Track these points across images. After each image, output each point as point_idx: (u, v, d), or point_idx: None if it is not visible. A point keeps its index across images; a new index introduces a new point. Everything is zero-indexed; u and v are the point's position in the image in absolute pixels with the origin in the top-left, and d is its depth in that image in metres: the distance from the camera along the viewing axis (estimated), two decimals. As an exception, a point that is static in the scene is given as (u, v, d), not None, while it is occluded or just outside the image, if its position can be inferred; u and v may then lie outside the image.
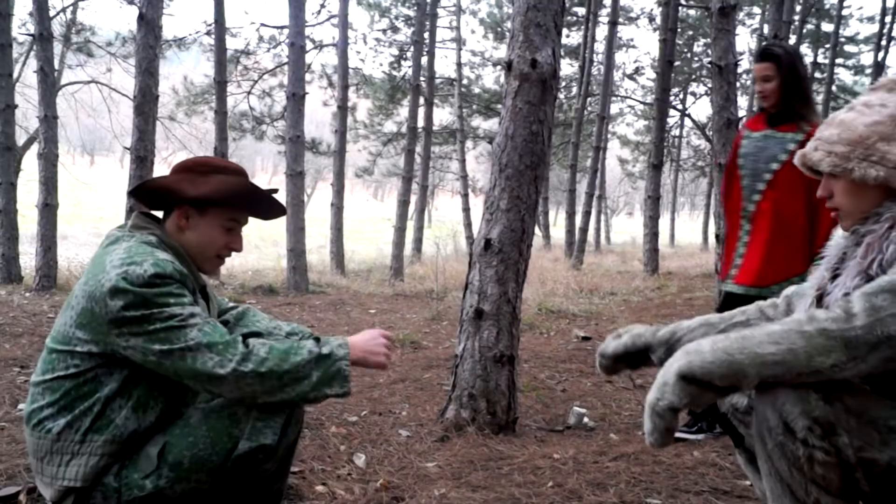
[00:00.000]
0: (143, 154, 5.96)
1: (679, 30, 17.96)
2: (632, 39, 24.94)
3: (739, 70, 18.42)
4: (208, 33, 13.17)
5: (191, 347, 1.43)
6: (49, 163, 8.37)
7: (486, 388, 2.89)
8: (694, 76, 24.37)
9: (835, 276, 1.50)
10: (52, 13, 11.08)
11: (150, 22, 5.91)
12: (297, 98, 9.54)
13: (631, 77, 23.97)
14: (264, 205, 1.73)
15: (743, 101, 21.74)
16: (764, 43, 2.96)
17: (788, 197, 2.76)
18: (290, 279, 9.55)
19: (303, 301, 8.67)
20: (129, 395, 1.50)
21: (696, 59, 24.18)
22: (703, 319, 1.72)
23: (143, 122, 5.96)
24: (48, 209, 8.37)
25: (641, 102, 24.06)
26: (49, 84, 8.40)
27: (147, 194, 1.65)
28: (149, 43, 5.91)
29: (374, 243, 27.01)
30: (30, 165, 14.12)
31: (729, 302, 2.88)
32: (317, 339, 1.61)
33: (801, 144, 2.59)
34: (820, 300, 1.50)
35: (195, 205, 1.61)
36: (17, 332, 5.33)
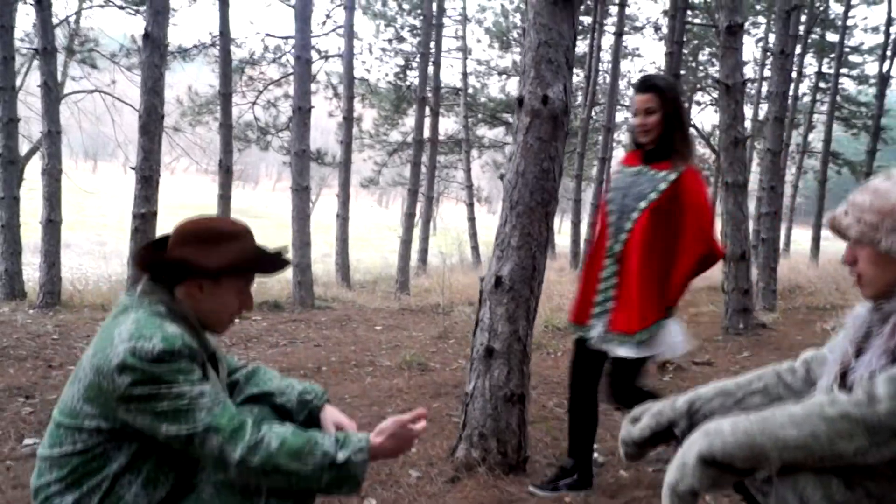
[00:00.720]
0: (148, 174, 5.95)
1: (684, 39, 17.94)
2: (637, 49, 24.93)
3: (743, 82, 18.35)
4: (213, 45, 13.18)
5: (198, 431, 1.40)
6: (52, 178, 8.38)
7: (496, 427, 2.86)
8: (699, 85, 24.31)
9: (859, 352, 1.46)
10: (55, 21, 11.12)
11: (155, 41, 5.90)
12: (303, 112, 9.54)
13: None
14: (276, 265, 1.71)
15: (748, 111, 21.67)
16: (643, 73, 2.81)
17: (653, 238, 2.54)
18: (295, 294, 9.53)
19: (308, 317, 8.64)
20: (138, 470, 1.47)
21: (700, 68, 24.12)
22: (720, 388, 1.69)
23: (148, 142, 5.95)
24: (52, 225, 8.37)
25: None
26: (52, 99, 8.42)
27: (157, 268, 1.61)
28: (154, 62, 5.90)
29: (380, 251, 27.03)
30: (31, 175, 14.15)
31: (584, 349, 2.73)
32: (336, 439, 1.53)
33: (675, 185, 2.53)
34: (843, 377, 1.47)
35: (211, 276, 1.58)
36: (22, 355, 5.31)
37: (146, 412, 1.39)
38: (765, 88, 21.55)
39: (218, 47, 11.93)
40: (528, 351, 2.97)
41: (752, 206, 13.59)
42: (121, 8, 11.88)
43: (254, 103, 15.45)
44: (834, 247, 26.12)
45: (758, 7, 21.11)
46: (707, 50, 22.77)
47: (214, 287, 1.59)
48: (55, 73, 8.59)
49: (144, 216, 5.97)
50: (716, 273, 14.31)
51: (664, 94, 2.54)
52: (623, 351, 2.52)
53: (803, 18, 17.48)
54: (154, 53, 5.86)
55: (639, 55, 26.41)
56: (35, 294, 8.55)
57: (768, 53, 16.73)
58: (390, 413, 3.90)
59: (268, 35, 15.08)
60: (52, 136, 8.33)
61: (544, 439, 3.42)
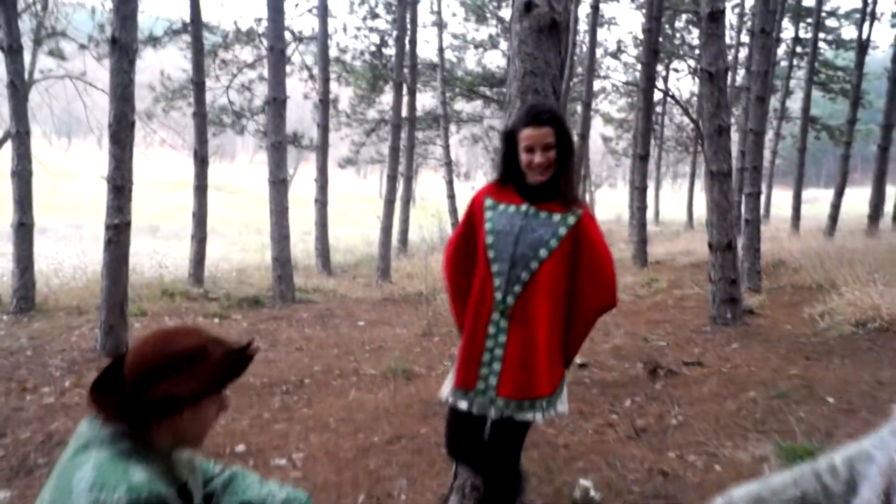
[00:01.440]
0: (120, 184, 5.73)
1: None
2: (614, 18, 24.57)
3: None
4: (184, 31, 12.76)
5: None
6: (23, 181, 8.08)
7: (490, 477, 2.77)
8: (676, 53, 24.14)
9: None
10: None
11: (124, 46, 5.63)
12: (277, 103, 9.28)
13: (614, 56, 23.72)
14: (247, 361, 1.57)
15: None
16: (532, 102, 2.24)
17: (555, 290, 2.25)
18: (275, 289, 9.37)
19: (290, 314, 8.51)
20: None
21: (677, 35, 23.93)
22: (754, 495, 1.53)
23: (119, 151, 5.71)
24: (23, 229, 8.09)
25: (624, 84, 23.85)
26: (20, 97, 8.08)
27: (130, 414, 1.44)
28: (123, 68, 5.63)
29: (360, 227, 26.78)
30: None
31: (464, 416, 2.35)
32: None
33: (575, 230, 2.26)
34: (888, 496, 1.34)
35: (190, 403, 1.45)
36: (-6, 378, 5.14)
37: None
38: (742, 55, 21.48)
39: (189, 34, 11.54)
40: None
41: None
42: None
43: (228, 87, 15.07)
44: (813, 211, 26.40)
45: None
46: (684, 17, 22.56)
47: (195, 410, 1.46)
48: (22, 72, 8.22)
49: (118, 227, 5.75)
50: (697, 249, 14.27)
51: (562, 129, 2.25)
52: (534, 416, 2.25)
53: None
54: (123, 59, 5.59)
55: (615, 23, 26.12)
56: (7, 296, 8.31)
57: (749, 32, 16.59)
58: (377, 443, 3.81)
59: (239, 17, 14.62)
60: (21, 136, 8.01)
61: (538, 472, 3.34)
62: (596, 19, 15.74)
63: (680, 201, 38.90)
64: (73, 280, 12.20)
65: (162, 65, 16.79)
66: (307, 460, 3.55)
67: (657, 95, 21.25)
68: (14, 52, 8.02)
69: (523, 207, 2.30)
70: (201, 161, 11.08)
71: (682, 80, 25.16)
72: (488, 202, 2.36)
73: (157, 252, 18.51)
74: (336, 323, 8.09)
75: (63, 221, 26.15)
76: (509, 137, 2.30)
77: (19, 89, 8.12)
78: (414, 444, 3.77)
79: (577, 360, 5.65)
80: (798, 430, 3.62)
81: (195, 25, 10.98)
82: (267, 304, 9.15)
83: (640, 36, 20.98)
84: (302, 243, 17.70)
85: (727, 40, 22.47)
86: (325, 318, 8.36)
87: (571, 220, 2.26)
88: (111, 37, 5.66)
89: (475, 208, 2.39)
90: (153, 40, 12.95)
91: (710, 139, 6.93)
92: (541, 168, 2.24)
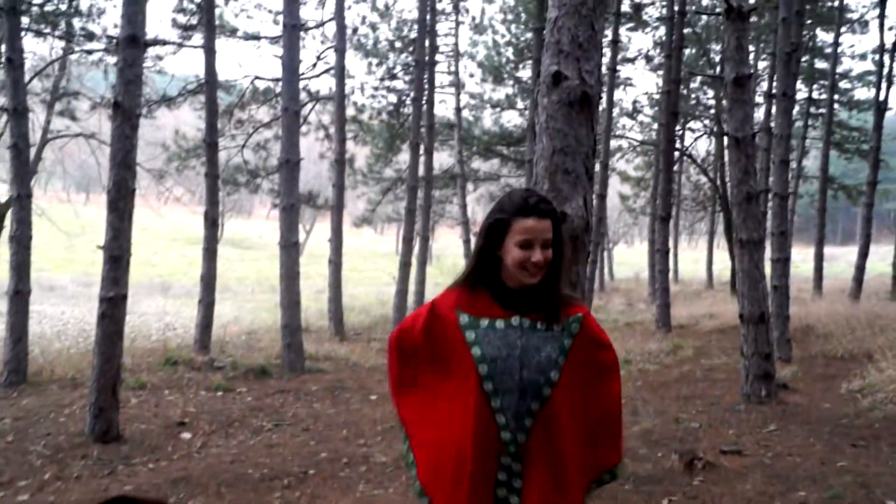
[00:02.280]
0: (117, 254, 5.46)
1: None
2: (630, 78, 24.70)
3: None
4: (199, 91, 12.79)
5: None
6: (21, 246, 7.86)
7: None
8: (692, 113, 24.10)
9: None
10: (32, 75, 10.70)
11: (126, 111, 5.45)
12: (290, 165, 9.10)
13: (630, 116, 23.71)
14: None
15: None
16: (525, 189, 1.88)
17: (568, 415, 1.84)
18: (284, 358, 9.01)
19: (298, 386, 8.11)
20: None
21: (692, 95, 23.94)
22: None
23: (117, 220, 5.47)
24: (19, 297, 7.82)
25: (641, 143, 23.78)
26: (23, 161, 7.95)
27: None
28: (125, 133, 5.44)
29: (376, 286, 26.52)
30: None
31: None
32: None
33: (580, 336, 1.86)
34: None
35: None
36: (-25, 462, 4.79)
37: None
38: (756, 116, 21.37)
39: (204, 95, 11.53)
40: None
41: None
42: (99, 60, 11.47)
43: (243, 146, 15.04)
44: (832, 270, 25.87)
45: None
46: (699, 79, 22.56)
47: None
48: (27, 134, 8.12)
49: (113, 300, 5.45)
50: (721, 312, 13.80)
51: (559, 223, 1.86)
52: None
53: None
54: (125, 124, 5.41)
55: (631, 84, 26.23)
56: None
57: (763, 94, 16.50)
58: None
59: (257, 78, 14.71)
60: (22, 200, 7.84)
61: None
62: (613, 80, 15.68)
63: (698, 258, 38.42)
64: (75, 344, 11.94)
65: (177, 122, 16.89)
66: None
67: (676, 155, 21.13)
68: (19, 115, 7.94)
69: (515, 321, 1.84)
70: (212, 223, 10.88)
71: (698, 140, 24.99)
72: (463, 319, 1.86)
73: (168, 312, 18.32)
74: (347, 397, 7.68)
75: (73, 279, 26.11)
76: (497, 228, 1.83)
77: (22, 152, 7.99)
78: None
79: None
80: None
81: (209, 86, 10.96)
82: (274, 374, 8.77)
83: (656, 96, 20.96)
84: (315, 303, 17.42)
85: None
86: (336, 390, 7.96)
87: (574, 326, 1.86)
88: (113, 101, 5.49)
89: (444, 329, 1.87)
90: (168, 100, 12.98)
91: (739, 206, 6.61)
92: (537, 268, 1.81)
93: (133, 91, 5.56)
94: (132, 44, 5.55)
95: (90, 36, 11.54)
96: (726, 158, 16.39)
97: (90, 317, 17.45)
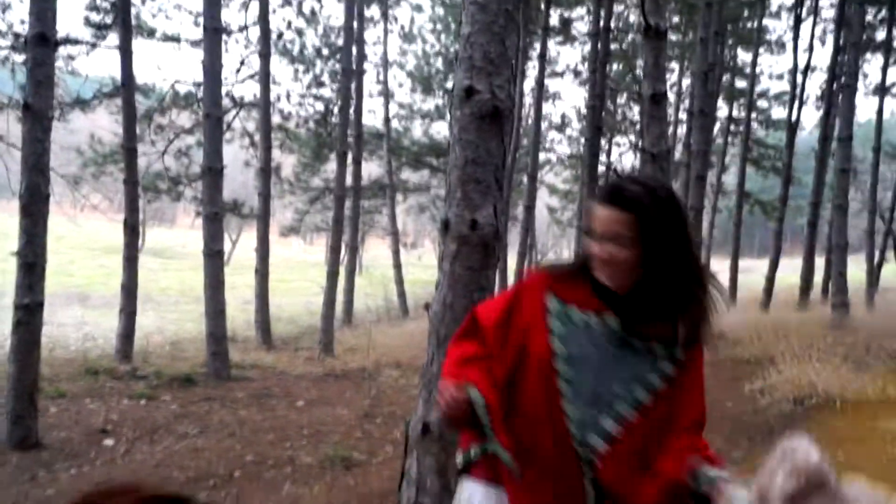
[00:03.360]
0: (31, 260, 5.29)
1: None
2: (558, 92, 25.40)
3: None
4: (115, 94, 12.43)
5: None
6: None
7: None
8: (618, 129, 24.96)
9: None
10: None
11: (37, 113, 5.29)
12: (213, 173, 8.97)
13: (558, 129, 24.35)
14: None
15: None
16: (631, 175, 1.83)
17: (653, 440, 1.59)
18: (210, 366, 8.86)
19: (224, 393, 7.99)
20: None
21: (619, 111, 24.80)
22: None
23: (31, 225, 5.30)
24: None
25: (569, 156, 24.44)
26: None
27: None
28: (37, 137, 5.29)
29: (304, 296, 26.19)
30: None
31: None
32: None
33: (686, 365, 1.60)
34: None
35: None
36: None
37: None
38: (680, 132, 22.33)
39: (121, 98, 11.22)
40: None
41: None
42: (5, 59, 11.01)
43: (164, 153, 14.65)
44: (748, 281, 27.19)
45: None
46: (625, 94, 23.42)
47: None
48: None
49: (28, 307, 5.27)
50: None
51: (648, 218, 1.53)
52: None
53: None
54: (36, 127, 5.25)
55: (560, 98, 26.98)
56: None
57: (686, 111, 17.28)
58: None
59: (177, 82, 14.40)
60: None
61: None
62: (541, 94, 16.11)
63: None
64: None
65: (92, 126, 16.30)
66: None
67: (601, 169, 21.80)
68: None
69: (612, 322, 1.59)
70: (132, 230, 10.59)
71: (624, 155, 25.86)
72: (553, 304, 1.63)
73: (86, 322, 17.61)
74: (273, 403, 7.63)
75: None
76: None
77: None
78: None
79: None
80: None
81: (126, 89, 10.65)
82: (200, 382, 8.60)
83: (584, 111, 21.62)
84: (243, 314, 17.12)
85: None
86: (262, 397, 7.89)
87: (678, 351, 1.58)
88: (24, 102, 5.32)
89: (532, 307, 1.62)
90: (81, 103, 12.53)
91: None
92: (601, 263, 1.57)
93: (44, 92, 5.41)
94: (42, 42, 5.39)
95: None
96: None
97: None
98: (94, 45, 11.52)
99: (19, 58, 10.92)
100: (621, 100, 24.54)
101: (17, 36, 10.64)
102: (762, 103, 24.19)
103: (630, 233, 1.52)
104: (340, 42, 17.23)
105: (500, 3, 2.65)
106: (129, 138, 10.46)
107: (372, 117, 20.81)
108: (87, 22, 12.17)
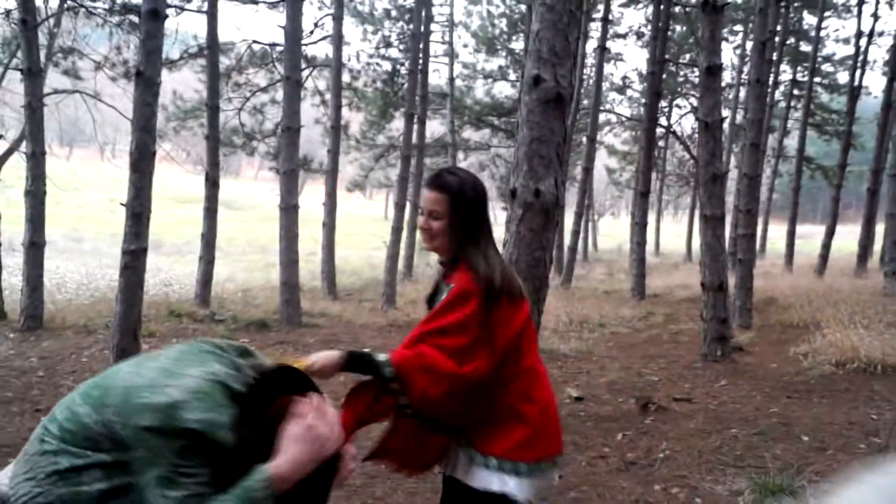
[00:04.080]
0: (138, 210, 6.02)
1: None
2: (620, 54, 25.14)
3: (723, 82, 18.74)
4: (200, 55, 13.18)
5: None
6: (37, 200, 8.42)
7: None
8: (679, 91, 24.65)
9: None
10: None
11: (148, 80, 5.97)
12: (291, 132, 9.63)
13: (619, 91, 24.21)
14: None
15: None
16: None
17: None
18: (283, 312, 9.64)
19: (296, 338, 8.77)
20: None
21: (680, 74, 24.46)
22: None
23: (139, 179, 6.02)
24: (35, 248, 8.40)
25: (628, 118, 24.30)
26: (37, 119, 8.42)
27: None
28: (146, 101, 5.97)
29: (364, 249, 27.08)
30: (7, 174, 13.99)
31: None
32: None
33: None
34: None
35: None
36: (7, 397, 5.37)
37: None
38: (742, 94, 21.95)
39: (206, 58, 11.93)
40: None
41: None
42: (104, 21, 11.79)
43: (240, 109, 15.46)
44: (808, 247, 26.81)
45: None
46: (687, 56, 23.07)
47: None
48: (40, 94, 8.56)
49: (135, 253, 6.03)
50: (695, 284, 14.66)
51: (457, 196, 2.02)
52: None
53: (778, 28, 17.85)
54: (146, 92, 5.93)
55: (622, 60, 26.72)
56: (15, 314, 8.57)
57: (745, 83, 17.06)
58: (384, 471, 4.07)
59: (254, 42, 15.07)
60: (37, 157, 8.35)
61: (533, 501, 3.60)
62: (603, 56, 16.19)
63: (680, 232, 39.26)
64: (76, 297, 12.49)
65: (174, 83, 17.20)
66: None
67: (660, 131, 21.71)
68: (33, 75, 8.40)
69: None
70: (213, 183, 11.41)
71: (684, 117, 25.56)
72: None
73: (161, 269, 18.82)
74: (342, 349, 8.34)
75: (64, 234, 26.32)
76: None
77: (36, 111, 8.47)
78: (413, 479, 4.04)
79: (573, 392, 5.93)
80: (772, 467, 3.90)
81: (211, 51, 11.38)
82: (274, 327, 9.40)
83: (645, 73, 21.48)
84: (308, 265, 18.00)
85: (728, 80, 23.05)
86: (332, 343, 8.61)
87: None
88: (136, 70, 6.00)
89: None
90: (169, 63, 13.34)
91: (705, 185, 7.27)
92: (423, 233, 2.10)
93: (154, 61, 6.08)
94: (153, 17, 6.05)
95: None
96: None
97: (84, 270, 17.96)
98: (182, 10, 12.22)
99: (114, 19, 11.65)
100: (683, 61, 24.19)
101: (113, 2, 11.37)
102: (827, 68, 23.49)
103: (439, 207, 2.02)
104: (408, 3, 17.61)
105: (565, 4, 3.10)
106: (212, 96, 11.22)
107: (436, 77, 21.15)
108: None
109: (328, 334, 9.24)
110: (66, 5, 11.87)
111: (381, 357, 1.91)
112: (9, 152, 14.47)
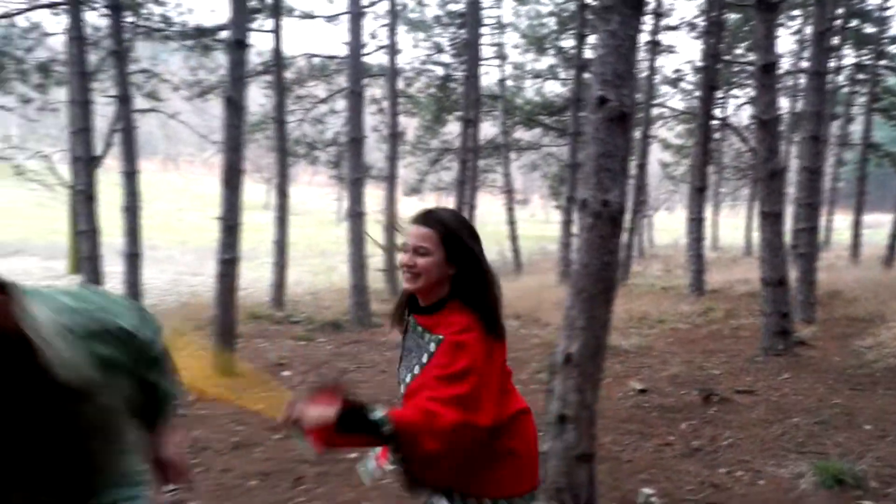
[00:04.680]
0: (231, 223, 6.58)
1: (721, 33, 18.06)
2: (672, 46, 24.93)
3: (780, 71, 18.47)
4: (267, 72, 13.85)
5: None
6: (132, 214, 9.15)
7: (569, 482, 3.41)
8: (734, 81, 24.33)
9: None
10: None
11: (235, 104, 6.51)
12: (357, 142, 10.13)
13: (672, 84, 24.05)
14: None
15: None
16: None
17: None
18: (353, 315, 10.15)
19: (368, 337, 9.26)
20: None
21: (735, 66, 24.13)
22: None
23: (230, 194, 6.58)
24: (132, 258, 9.13)
25: (681, 112, 24.15)
26: (131, 141, 9.15)
27: None
28: (234, 124, 6.51)
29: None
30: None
31: None
32: None
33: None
34: None
35: None
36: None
37: None
38: (802, 82, 21.56)
39: (272, 75, 12.56)
40: (594, 417, 3.50)
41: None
42: (190, 49, 12.57)
43: (302, 121, 16.14)
44: (877, 237, 26.08)
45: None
46: (741, 46, 22.78)
47: None
48: (131, 119, 9.32)
49: (228, 262, 6.59)
50: (754, 278, 14.62)
51: (449, 235, 1.91)
52: None
53: (840, 11, 17.50)
54: (234, 116, 6.47)
55: (674, 51, 26.46)
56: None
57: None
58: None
59: (314, 56, 15.71)
60: (131, 176, 9.07)
61: (607, 480, 3.94)
62: (655, 51, 16.26)
63: (739, 226, 38.60)
64: (159, 303, 13.31)
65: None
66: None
67: (715, 124, 21.51)
68: (125, 101, 9.14)
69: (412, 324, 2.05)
70: (282, 193, 12.04)
71: (741, 108, 25.23)
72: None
73: (231, 274, 19.72)
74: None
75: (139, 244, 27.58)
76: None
77: (130, 134, 9.21)
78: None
79: (637, 385, 6.22)
80: (833, 453, 4.14)
81: (278, 68, 12.01)
82: (346, 328, 9.92)
83: (699, 63, 21.33)
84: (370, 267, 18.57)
85: (787, 67, 22.63)
86: (395, 345, 9.06)
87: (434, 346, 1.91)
88: (226, 98, 6.56)
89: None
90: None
91: (764, 182, 7.43)
92: (406, 270, 1.95)
93: (239, 87, 6.63)
94: (238, 47, 6.61)
95: (166, 21, 12.58)
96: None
97: (163, 276, 18.95)
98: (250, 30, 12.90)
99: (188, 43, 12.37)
100: (739, 51, 23.86)
101: (183, 26, 12.10)
102: (893, 49, 22.77)
103: (426, 244, 1.90)
104: (458, 8, 18.00)
105: (626, 31, 3.43)
106: (279, 111, 11.85)
107: (486, 79, 21.45)
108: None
109: (398, 334, 9.67)
110: (139, 31, 12.70)
111: (378, 414, 1.71)
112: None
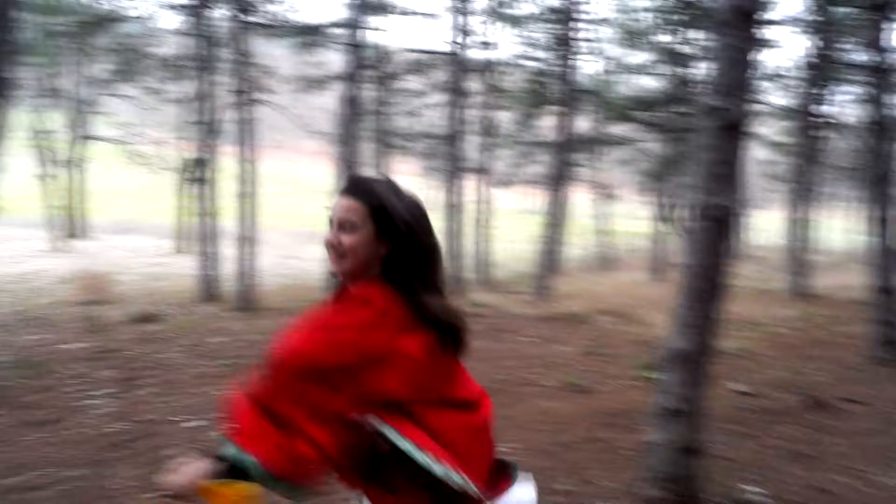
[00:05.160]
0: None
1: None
2: (775, 40, 24.02)
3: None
4: (372, 66, 14.36)
5: None
6: (248, 199, 9.85)
7: (674, 473, 3.57)
8: (841, 76, 23.17)
9: None
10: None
11: (354, 101, 6.93)
12: (456, 137, 10.43)
13: (773, 79, 23.19)
14: None
15: None
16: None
17: None
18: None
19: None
20: None
21: (844, 63, 22.97)
22: None
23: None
24: (247, 241, 9.84)
25: (784, 109, 23.24)
26: (248, 133, 9.81)
27: None
28: (352, 119, 6.94)
29: (510, 241, 27.77)
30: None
31: None
32: None
33: None
34: None
35: None
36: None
37: None
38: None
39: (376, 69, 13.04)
40: (700, 413, 3.64)
41: None
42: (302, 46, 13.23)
43: (396, 114, 16.69)
44: None
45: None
46: (851, 40, 21.67)
47: None
48: (249, 111, 9.97)
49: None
50: (861, 283, 14.10)
51: (379, 208, 1.56)
52: None
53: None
54: (351, 112, 6.92)
55: (777, 46, 25.50)
56: (228, 297, 10.07)
57: None
58: (569, 441, 4.67)
59: (411, 51, 16.13)
60: (249, 164, 9.72)
61: (709, 476, 4.06)
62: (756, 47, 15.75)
63: (845, 228, 36.79)
64: (264, 283, 14.12)
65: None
66: (517, 451, 4.48)
67: (820, 120, 20.61)
68: (241, 94, 9.76)
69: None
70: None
71: (849, 105, 24.04)
72: None
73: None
74: (505, 337, 9.02)
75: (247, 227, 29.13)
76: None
77: (247, 125, 9.85)
78: (599, 445, 4.63)
79: (738, 387, 6.22)
80: (945, 465, 4.11)
81: (381, 63, 12.46)
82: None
83: (801, 60, 20.49)
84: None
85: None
86: (494, 331, 9.29)
87: None
88: (349, 97, 6.98)
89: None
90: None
91: (873, 185, 7.24)
92: (330, 249, 1.59)
93: (358, 86, 7.03)
94: (357, 49, 7.00)
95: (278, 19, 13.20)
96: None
97: (271, 260, 20.08)
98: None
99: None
100: (848, 46, 22.70)
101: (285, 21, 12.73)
102: None
103: (353, 217, 1.56)
104: (553, 3, 17.98)
105: (741, 42, 3.54)
106: (380, 104, 12.28)
107: (580, 73, 21.33)
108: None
109: (489, 323, 9.85)
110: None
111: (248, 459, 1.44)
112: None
